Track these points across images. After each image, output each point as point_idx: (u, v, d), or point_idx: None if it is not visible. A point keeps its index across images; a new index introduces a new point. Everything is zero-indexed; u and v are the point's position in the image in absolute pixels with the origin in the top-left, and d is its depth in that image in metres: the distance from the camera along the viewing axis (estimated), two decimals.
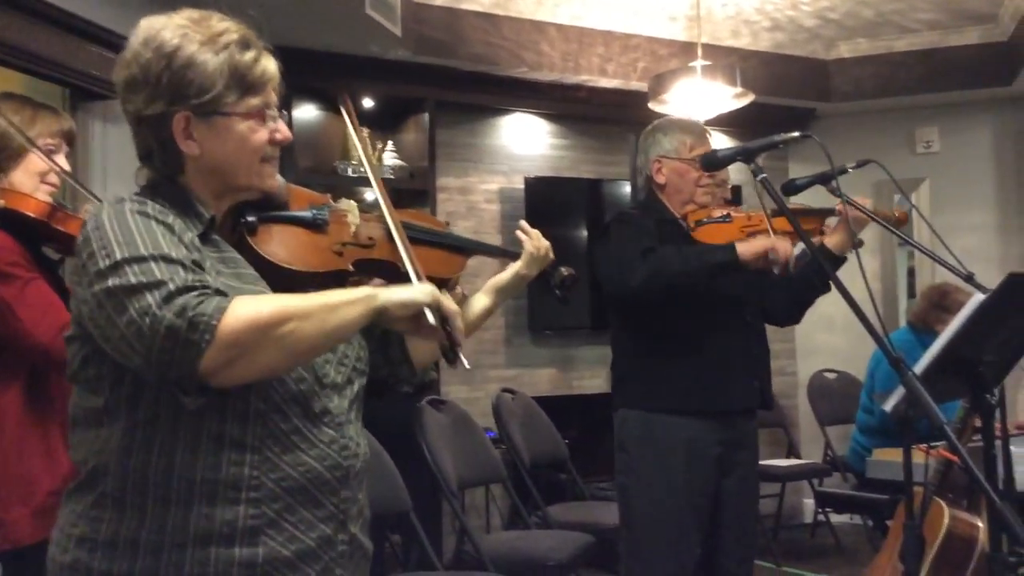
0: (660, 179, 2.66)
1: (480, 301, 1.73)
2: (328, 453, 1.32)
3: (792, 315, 2.77)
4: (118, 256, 1.18)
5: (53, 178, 2.04)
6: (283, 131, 1.36)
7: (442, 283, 1.56)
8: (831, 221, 2.58)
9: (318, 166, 4.66)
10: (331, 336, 1.24)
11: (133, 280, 1.16)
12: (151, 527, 1.24)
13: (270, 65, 1.35)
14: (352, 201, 1.51)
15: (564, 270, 1.82)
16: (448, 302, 1.30)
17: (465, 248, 1.65)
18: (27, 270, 1.91)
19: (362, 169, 4.63)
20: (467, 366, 1.33)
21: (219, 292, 1.18)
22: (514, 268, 1.68)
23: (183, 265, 1.19)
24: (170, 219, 1.26)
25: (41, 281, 1.93)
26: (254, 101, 1.32)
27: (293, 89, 4.45)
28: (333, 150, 4.72)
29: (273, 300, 1.22)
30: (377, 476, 2.80)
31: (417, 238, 1.54)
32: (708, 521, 2.55)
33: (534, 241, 1.80)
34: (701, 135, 2.69)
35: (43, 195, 2.00)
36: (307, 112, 4.71)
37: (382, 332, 1.52)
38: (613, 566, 4.39)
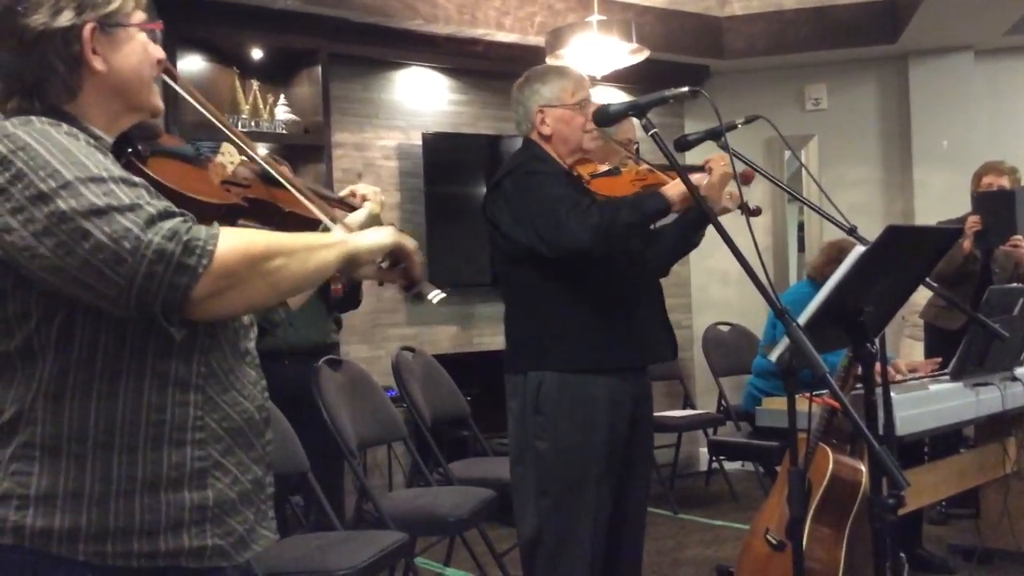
0: (546, 130, 2.60)
1: None
2: (255, 394, 1.32)
3: (663, 269, 2.79)
4: (68, 176, 1.09)
5: None
6: (160, 50, 1.33)
7: (314, 224, 1.53)
8: (700, 177, 2.59)
9: (205, 120, 4.46)
10: (310, 277, 1.23)
11: (98, 202, 1.08)
12: (95, 476, 1.16)
13: None
14: (229, 145, 1.47)
15: None
16: (407, 239, 1.31)
17: (319, 195, 1.64)
18: None
19: (253, 124, 4.49)
20: (438, 296, 1.36)
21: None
22: (369, 207, 1.66)
23: (147, 189, 1.14)
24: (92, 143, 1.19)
25: None
26: (142, 15, 1.30)
27: (178, 40, 4.30)
28: (221, 103, 4.54)
29: (260, 234, 1.18)
30: (274, 438, 2.74)
31: (286, 185, 1.52)
32: (618, 476, 2.57)
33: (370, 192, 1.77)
34: (579, 79, 2.64)
35: None
36: (193, 63, 4.52)
37: None
38: (514, 520, 4.44)
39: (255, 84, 4.59)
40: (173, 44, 4.26)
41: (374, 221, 1.65)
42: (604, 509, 2.52)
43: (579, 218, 2.35)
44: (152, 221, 1.08)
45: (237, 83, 4.55)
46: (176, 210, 1.13)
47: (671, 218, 2.56)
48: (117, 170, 1.15)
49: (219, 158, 1.44)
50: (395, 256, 1.32)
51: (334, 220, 1.42)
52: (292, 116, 4.66)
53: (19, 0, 1.18)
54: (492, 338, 5.35)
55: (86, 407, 1.17)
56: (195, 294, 1.09)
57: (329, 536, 2.96)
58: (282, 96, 4.70)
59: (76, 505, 1.16)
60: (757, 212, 2.61)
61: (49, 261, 1.09)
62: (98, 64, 1.23)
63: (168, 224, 1.09)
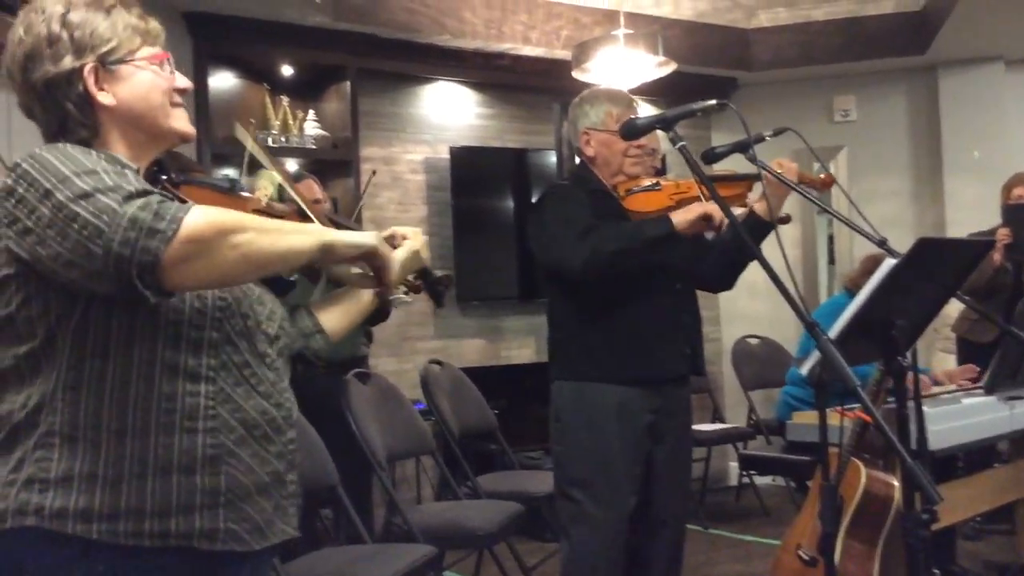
0: (589, 151, 2.66)
1: None
2: (272, 392, 1.38)
3: (725, 281, 2.78)
4: (66, 172, 1.19)
5: None
6: (182, 79, 1.41)
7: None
8: (759, 186, 2.60)
9: (234, 136, 4.54)
10: (284, 256, 1.26)
11: (86, 187, 1.17)
12: (108, 460, 1.23)
13: (156, 24, 1.41)
14: (273, 173, 1.55)
15: (440, 272, 1.88)
16: (388, 248, 1.40)
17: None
18: None
19: (283, 139, 4.53)
20: (408, 300, 1.51)
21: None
22: (408, 244, 1.70)
23: (136, 178, 1.22)
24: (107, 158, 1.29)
25: None
26: (151, 49, 1.38)
27: (208, 56, 4.36)
28: (251, 119, 4.60)
29: (231, 211, 1.24)
30: (303, 450, 2.76)
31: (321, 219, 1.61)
32: (642, 487, 2.58)
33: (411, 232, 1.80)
34: (628, 105, 2.68)
35: None
36: (224, 80, 4.57)
37: (291, 306, 1.56)
38: (542, 534, 4.43)
39: (285, 100, 4.64)
40: (204, 61, 4.32)
41: (415, 258, 1.70)
42: (621, 519, 2.54)
43: (574, 243, 2.43)
44: (130, 197, 1.16)
45: (267, 99, 4.60)
46: (157, 191, 1.20)
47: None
48: (112, 168, 1.22)
49: (256, 192, 1.52)
50: (372, 260, 1.39)
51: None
52: (321, 131, 4.70)
53: (28, 57, 1.31)
54: (519, 351, 5.35)
55: (100, 396, 1.24)
56: (166, 258, 1.14)
57: (359, 549, 2.97)
58: (311, 111, 4.75)
59: (90, 487, 1.23)
60: (787, 220, 2.60)
61: (53, 249, 1.17)
62: (105, 99, 1.32)
63: (143, 199, 1.16)
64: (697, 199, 2.49)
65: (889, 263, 2.01)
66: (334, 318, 1.64)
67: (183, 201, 1.36)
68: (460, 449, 3.85)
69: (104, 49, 1.32)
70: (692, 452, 2.91)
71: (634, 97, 2.81)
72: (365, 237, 1.37)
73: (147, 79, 1.36)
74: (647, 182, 2.59)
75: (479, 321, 5.27)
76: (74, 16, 1.32)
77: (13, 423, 1.27)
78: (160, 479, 1.25)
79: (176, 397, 1.27)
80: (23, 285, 1.24)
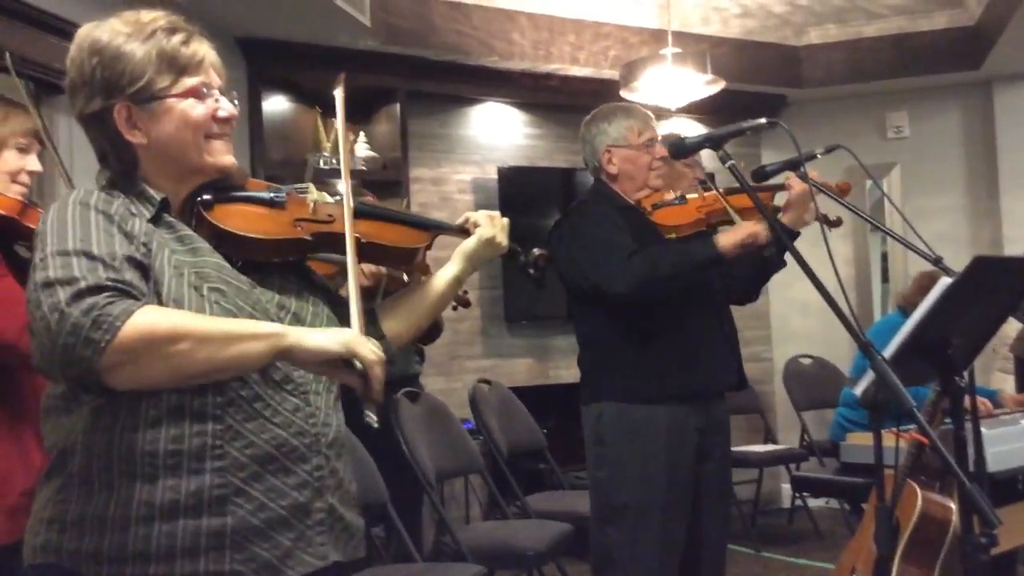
0: (612, 169, 2.65)
1: (448, 269, 1.66)
2: (293, 420, 1.33)
3: (750, 293, 2.76)
4: (47, 251, 1.21)
5: (24, 177, 2.01)
6: (226, 108, 1.37)
7: (410, 255, 1.58)
8: (780, 196, 2.58)
9: (289, 158, 4.63)
10: (224, 367, 1.22)
11: (51, 275, 1.18)
12: (118, 503, 1.24)
13: (202, 47, 1.37)
14: (313, 186, 1.53)
15: (536, 250, 1.82)
16: (366, 351, 1.23)
17: (427, 226, 1.65)
18: None
19: (334, 160, 4.60)
20: (375, 425, 1.28)
21: (131, 293, 1.19)
22: (479, 232, 1.67)
23: (103, 263, 1.20)
24: (113, 208, 1.27)
25: (10, 279, 1.90)
26: (190, 81, 1.34)
27: (262, 81, 4.45)
28: (304, 142, 4.68)
29: (176, 316, 1.21)
30: (353, 468, 2.78)
31: (378, 214, 1.58)
32: (689, 507, 2.54)
33: (483, 218, 1.71)
34: (645, 118, 2.68)
35: (14, 193, 1.97)
36: (277, 104, 4.66)
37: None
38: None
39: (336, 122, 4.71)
40: (258, 85, 4.41)
41: (490, 247, 1.66)
42: (673, 542, 2.50)
43: (621, 267, 2.40)
44: (80, 295, 1.15)
45: (319, 122, 4.68)
46: (109, 283, 1.18)
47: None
48: (95, 241, 1.22)
49: (302, 197, 1.49)
50: (345, 373, 1.24)
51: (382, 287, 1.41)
52: (371, 152, 4.77)
53: (70, 91, 1.34)
54: (568, 370, 5.34)
55: (111, 441, 1.25)
56: (99, 366, 1.14)
57: (409, 568, 2.98)
58: (362, 133, 4.82)
59: (100, 529, 1.25)
60: (838, 223, 2.56)
61: (30, 323, 1.20)
62: (136, 138, 1.33)
63: (91, 299, 1.15)
64: (724, 211, 2.48)
65: (945, 282, 1.97)
66: (398, 322, 1.57)
67: (215, 224, 1.35)
68: (509, 468, 3.85)
69: (133, 89, 1.30)
70: (732, 470, 2.87)
71: (648, 110, 2.78)
72: (330, 342, 1.23)
73: (177, 118, 1.33)
74: (671, 196, 2.58)
75: (527, 340, 5.28)
76: (110, 49, 1.30)
77: (52, 458, 1.31)
78: (166, 522, 1.24)
79: (183, 438, 1.25)
80: None
